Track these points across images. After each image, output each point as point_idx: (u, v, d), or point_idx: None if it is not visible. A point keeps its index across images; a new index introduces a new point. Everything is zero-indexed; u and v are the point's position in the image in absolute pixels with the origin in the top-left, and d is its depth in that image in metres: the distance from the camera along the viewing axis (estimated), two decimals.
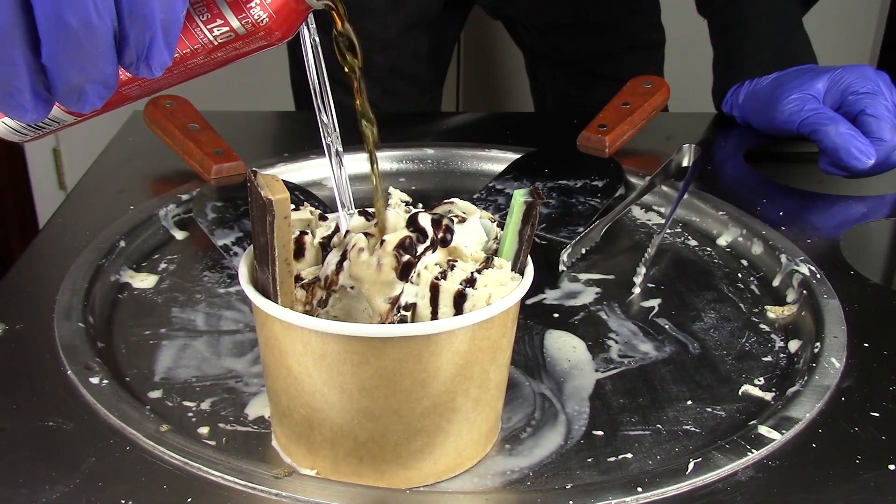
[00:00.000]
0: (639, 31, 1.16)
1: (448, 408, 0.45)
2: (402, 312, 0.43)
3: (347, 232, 0.46)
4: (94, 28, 0.35)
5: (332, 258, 0.45)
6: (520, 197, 0.45)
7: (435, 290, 0.43)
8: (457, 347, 0.43)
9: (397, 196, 0.50)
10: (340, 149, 0.47)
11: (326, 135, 0.47)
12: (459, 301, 0.43)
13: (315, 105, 0.46)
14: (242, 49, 0.40)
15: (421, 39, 1.12)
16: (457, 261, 0.45)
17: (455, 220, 0.46)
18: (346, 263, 0.45)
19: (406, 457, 0.46)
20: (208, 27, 0.39)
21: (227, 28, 0.39)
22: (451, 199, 0.49)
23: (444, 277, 0.44)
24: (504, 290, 0.44)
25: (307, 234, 0.47)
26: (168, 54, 0.37)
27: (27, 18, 0.34)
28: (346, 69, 0.44)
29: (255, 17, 0.38)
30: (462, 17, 1.23)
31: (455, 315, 0.43)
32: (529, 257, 0.47)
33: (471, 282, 0.44)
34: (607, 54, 1.15)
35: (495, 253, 0.47)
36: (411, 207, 0.50)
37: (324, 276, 0.45)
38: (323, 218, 0.48)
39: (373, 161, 0.47)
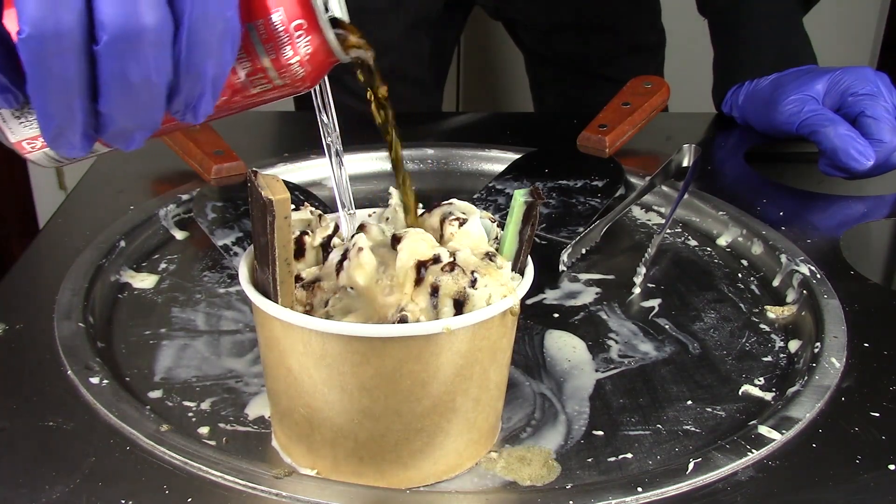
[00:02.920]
0: (639, 33, 1.16)
1: (448, 408, 0.45)
2: (403, 313, 0.43)
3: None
4: (152, 84, 0.37)
5: (333, 258, 0.45)
6: (520, 197, 0.45)
7: (435, 290, 0.43)
8: (457, 347, 0.43)
9: (397, 196, 0.50)
10: (340, 149, 0.47)
11: (326, 135, 0.47)
12: (459, 301, 0.43)
13: (315, 105, 0.46)
14: (274, 94, 0.43)
15: (422, 40, 1.12)
16: (457, 261, 0.45)
17: (456, 221, 0.46)
18: (346, 263, 0.45)
19: (406, 457, 0.46)
20: (250, 78, 0.42)
21: (266, 80, 0.42)
22: (451, 200, 0.49)
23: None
24: (504, 290, 0.44)
25: (307, 234, 0.47)
26: (213, 105, 0.40)
27: (91, 71, 0.37)
28: (379, 123, 0.47)
29: (293, 71, 0.42)
30: (463, 18, 1.23)
31: (455, 315, 0.43)
32: (529, 257, 0.47)
33: (471, 282, 0.44)
34: (608, 56, 1.15)
35: (496, 252, 0.47)
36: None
37: (324, 276, 0.45)
38: (323, 218, 0.48)
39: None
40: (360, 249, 0.44)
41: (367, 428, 0.44)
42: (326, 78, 0.46)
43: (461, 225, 0.47)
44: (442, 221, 0.47)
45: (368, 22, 1.08)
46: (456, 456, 0.47)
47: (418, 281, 0.44)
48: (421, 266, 0.44)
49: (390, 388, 0.43)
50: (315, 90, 0.46)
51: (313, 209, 0.47)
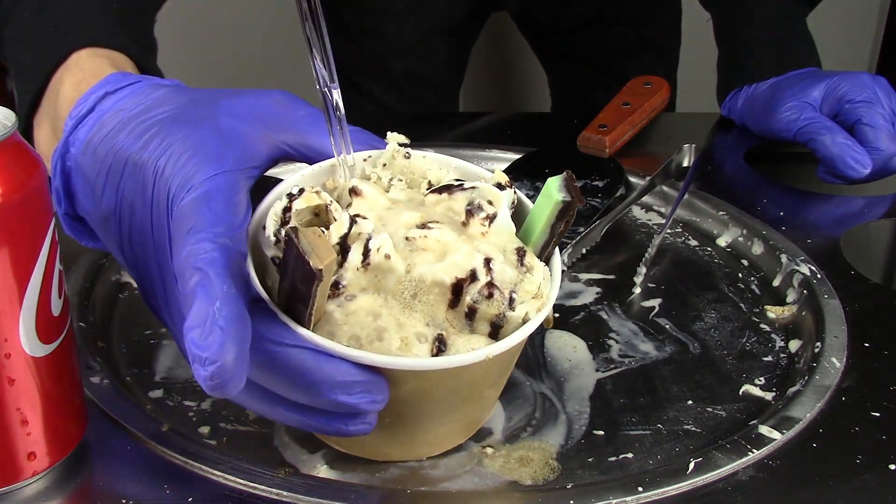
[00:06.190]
0: (659, 32, 1.15)
1: (475, 399, 0.47)
2: (440, 333, 0.43)
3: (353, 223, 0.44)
4: None
5: (354, 261, 0.42)
6: (557, 194, 0.44)
7: (472, 312, 0.43)
8: (492, 362, 0.43)
9: (394, 140, 0.48)
10: (340, 101, 0.46)
11: (323, 84, 0.45)
12: (497, 325, 0.43)
13: (309, 52, 0.45)
14: None
15: (440, 45, 1.12)
16: (494, 282, 0.43)
17: (487, 220, 0.45)
18: (369, 266, 0.42)
19: (431, 440, 0.47)
20: None
21: None
22: (474, 184, 0.46)
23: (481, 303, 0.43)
24: (538, 303, 0.44)
25: (324, 231, 0.44)
26: None
27: None
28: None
29: None
30: (481, 24, 1.22)
31: (490, 333, 0.43)
32: (559, 265, 0.47)
33: (509, 303, 0.43)
34: (627, 52, 1.14)
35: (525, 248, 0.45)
36: (409, 151, 0.48)
37: (344, 279, 0.43)
38: (335, 208, 0.45)
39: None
40: (388, 257, 0.42)
41: (397, 425, 0.45)
42: (329, 48, 0.44)
43: (491, 222, 0.45)
44: (468, 213, 0.45)
45: (387, 24, 1.08)
46: (466, 431, 0.49)
47: (454, 300, 0.43)
48: (458, 286, 0.43)
49: (424, 399, 0.44)
50: (310, 35, 0.44)
51: (319, 191, 0.45)
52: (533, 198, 0.47)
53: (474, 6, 1.12)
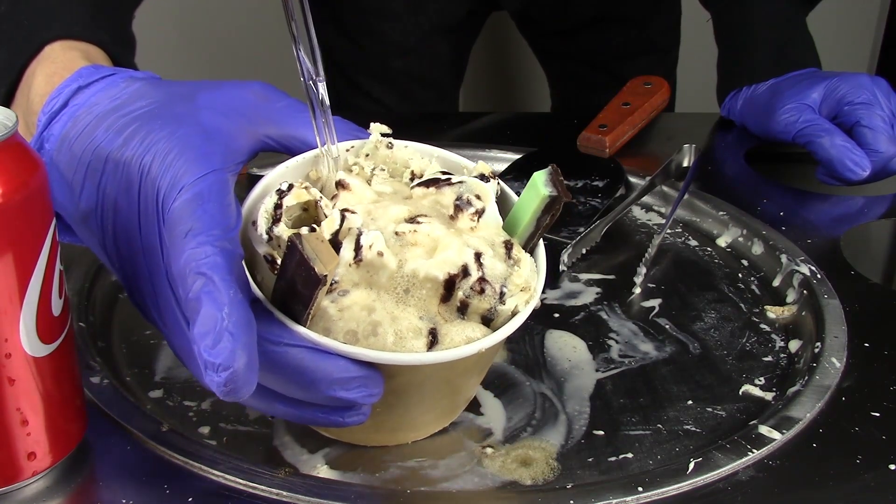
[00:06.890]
0: (659, 33, 1.15)
1: (463, 386, 0.47)
2: (433, 327, 0.43)
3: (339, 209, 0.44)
4: None
5: (346, 257, 0.43)
6: (543, 189, 0.44)
7: (464, 306, 0.43)
8: (483, 354, 0.44)
9: (377, 130, 0.48)
10: (325, 95, 0.45)
11: (308, 78, 0.45)
12: (488, 318, 0.44)
13: (292, 35, 0.44)
14: None
15: (441, 46, 1.12)
16: (486, 277, 0.43)
17: (476, 215, 0.45)
18: (361, 263, 0.42)
19: (419, 425, 0.48)
20: None
21: None
22: (462, 178, 0.46)
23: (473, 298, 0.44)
24: (525, 296, 0.45)
25: (314, 229, 0.45)
26: None
27: None
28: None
29: None
30: (481, 24, 1.22)
31: (481, 323, 0.44)
32: (542, 242, 0.47)
33: (499, 297, 0.44)
34: (627, 52, 1.14)
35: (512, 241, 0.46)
36: (392, 141, 0.49)
37: (337, 275, 0.43)
38: (325, 204, 0.45)
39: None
40: (381, 254, 0.42)
41: (384, 413, 0.45)
42: (315, 41, 0.44)
43: (480, 217, 0.45)
44: (457, 209, 0.45)
45: (387, 24, 1.08)
46: (451, 414, 0.50)
47: (446, 295, 0.43)
48: (451, 282, 0.43)
49: (416, 389, 0.45)
50: (296, 31, 0.44)
51: (308, 187, 0.45)
52: None
53: (474, 6, 1.12)
